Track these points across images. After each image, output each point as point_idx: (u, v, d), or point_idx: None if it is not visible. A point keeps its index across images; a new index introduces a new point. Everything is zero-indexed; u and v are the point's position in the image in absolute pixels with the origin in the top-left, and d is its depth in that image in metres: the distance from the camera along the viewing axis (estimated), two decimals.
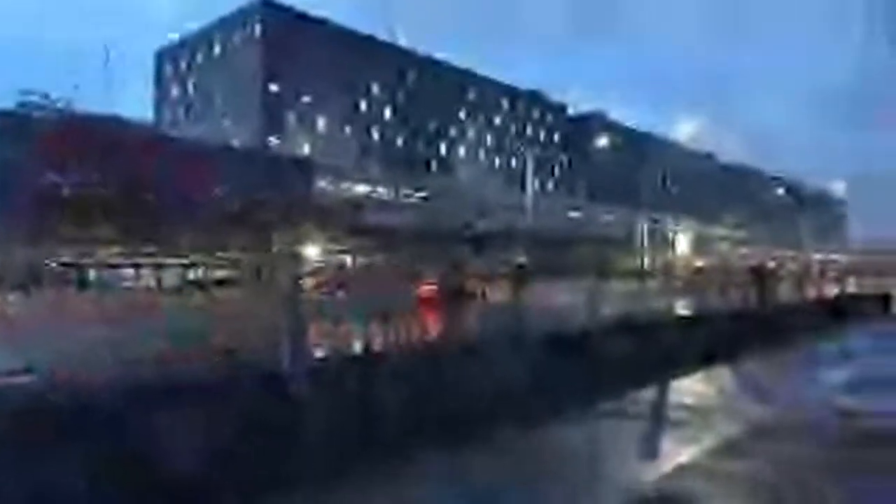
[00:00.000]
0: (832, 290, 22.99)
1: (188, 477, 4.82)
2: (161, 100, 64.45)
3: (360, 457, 5.75)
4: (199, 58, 60.59)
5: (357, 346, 7.51)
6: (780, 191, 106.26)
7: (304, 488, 5.31)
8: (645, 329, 11.34)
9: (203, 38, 59.87)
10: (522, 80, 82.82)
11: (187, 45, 61.72)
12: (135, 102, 75.99)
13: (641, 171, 76.63)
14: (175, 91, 63.40)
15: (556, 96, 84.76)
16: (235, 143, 47.69)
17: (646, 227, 60.05)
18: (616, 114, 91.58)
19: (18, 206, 23.97)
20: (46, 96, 29.78)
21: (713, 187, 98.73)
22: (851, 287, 25.10)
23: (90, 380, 5.23)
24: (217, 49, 58.60)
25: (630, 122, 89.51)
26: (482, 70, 74.08)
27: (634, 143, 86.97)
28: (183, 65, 62.63)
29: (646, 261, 50.23)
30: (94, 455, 4.73)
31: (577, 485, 5.64)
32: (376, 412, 6.58)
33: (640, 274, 32.39)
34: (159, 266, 26.89)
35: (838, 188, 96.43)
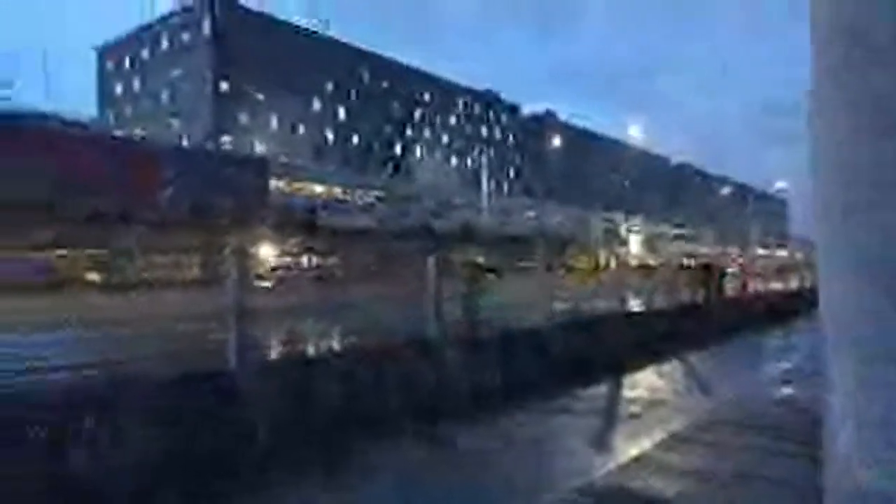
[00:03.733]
0: (775, 286, 23.82)
1: None
2: (104, 98, 62.42)
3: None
4: (145, 54, 58.89)
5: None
6: (727, 190, 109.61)
7: None
8: (595, 325, 11.53)
9: (149, 34, 58.24)
10: (467, 76, 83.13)
11: (131, 42, 59.93)
12: (77, 101, 73.17)
13: (594, 170, 78.04)
14: (119, 89, 61.46)
15: (509, 96, 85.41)
16: (185, 142, 46.54)
17: (599, 225, 61.18)
18: (567, 113, 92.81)
19: None
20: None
21: (664, 187, 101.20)
22: (793, 283, 26.06)
23: None
24: (164, 45, 57.06)
25: (582, 123, 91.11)
26: (431, 67, 74.22)
27: (587, 142, 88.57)
28: (127, 62, 60.73)
29: (599, 258, 51.14)
30: None
31: (531, 477, 5.65)
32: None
33: (593, 271, 32.95)
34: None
35: (781, 187, 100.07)
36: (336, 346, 7.67)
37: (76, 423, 4.87)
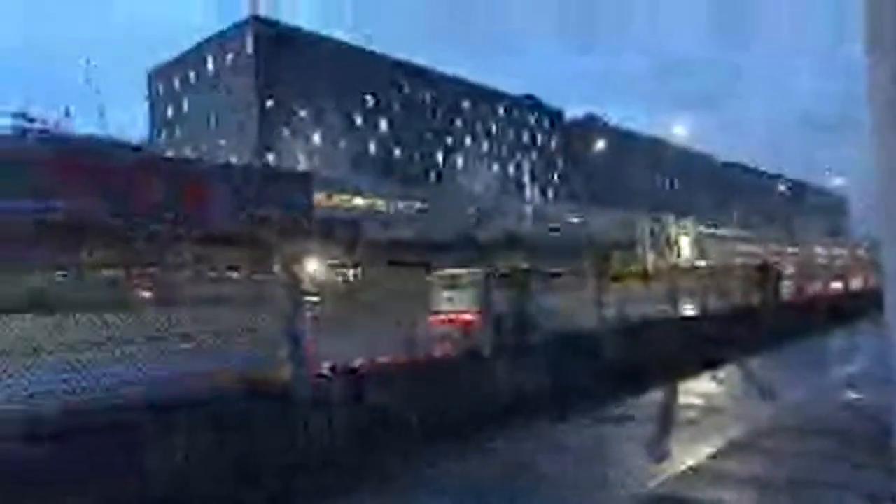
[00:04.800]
0: (836, 287, 22.93)
1: None
2: (156, 120, 64.83)
3: None
4: (192, 76, 60.95)
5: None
6: (782, 188, 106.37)
7: None
8: (647, 330, 11.31)
9: (196, 56, 60.27)
10: (516, 86, 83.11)
11: (180, 64, 62.11)
12: (129, 124, 76.14)
13: (640, 172, 76.74)
14: (170, 111, 63.72)
15: (552, 101, 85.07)
16: (233, 160, 47.85)
17: (646, 228, 60.08)
18: (613, 116, 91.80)
19: (12, 233, 23.98)
20: (44, 121, 29.98)
21: (714, 187, 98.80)
22: (856, 283, 25.03)
23: None
24: (210, 67, 58.97)
25: (627, 125, 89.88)
26: (476, 78, 74.50)
27: (632, 145, 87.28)
28: (176, 83, 62.97)
29: (648, 263, 50.21)
30: None
31: (584, 486, 5.58)
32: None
33: (642, 276, 32.34)
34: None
35: (840, 185, 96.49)
36: (385, 357, 7.74)
37: (150, 431, 5.06)
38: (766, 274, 17.93)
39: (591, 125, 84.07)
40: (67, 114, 34.57)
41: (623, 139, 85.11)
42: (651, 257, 54.85)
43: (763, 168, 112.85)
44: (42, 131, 29.58)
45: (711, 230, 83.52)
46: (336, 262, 33.81)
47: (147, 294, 26.38)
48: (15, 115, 29.96)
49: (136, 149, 35.50)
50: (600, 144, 68.47)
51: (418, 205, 50.91)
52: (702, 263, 48.59)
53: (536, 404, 7.95)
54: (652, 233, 62.42)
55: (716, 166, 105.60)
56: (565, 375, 8.88)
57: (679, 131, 64.34)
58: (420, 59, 68.85)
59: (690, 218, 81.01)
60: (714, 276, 16.88)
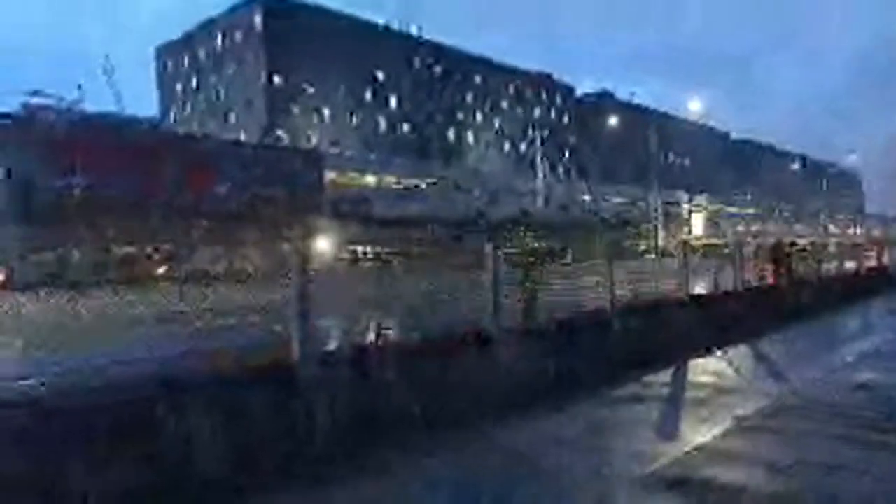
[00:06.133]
0: (851, 265, 22.68)
1: None
2: (165, 96, 64.71)
3: None
4: (202, 53, 60.66)
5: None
6: (795, 165, 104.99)
7: None
8: (658, 309, 11.22)
9: (204, 32, 59.90)
10: (529, 62, 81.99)
11: (188, 41, 61.77)
12: (136, 99, 75.97)
13: (652, 149, 75.72)
14: (179, 87, 63.56)
15: (565, 78, 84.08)
16: (243, 136, 47.76)
17: (659, 206, 59.57)
18: (624, 93, 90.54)
19: (35, 209, 24.23)
20: (61, 98, 30.08)
21: (727, 164, 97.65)
22: (871, 261, 24.77)
23: None
24: (219, 43, 58.62)
25: (639, 101, 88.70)
26: (490, 54, 73.64)
27: (645, 121, 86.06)
28: (185, 60, 62.71)
29: (660, 240, 49.89)
30: None
31: (593, 466, 5.57)
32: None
33: (655, 253, 32.18)
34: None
35: (854, 162, 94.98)
36: (392, 337, 7.71)
37: (156, 412, 5.06)
38: (779, 252, 17.72)
39: (603, 101, 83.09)
40: (80, 87, 34.56)
41: (636, 115, 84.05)
42: (663, 235, 54.47)
43: (785, 146, 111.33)
44: (65, 109, 29.69)
45: (725, 207, 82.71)
46: (347, 238, 34.00)
47: (161, 270, 26.65)
48: (32, 94, 30.12)
49: (154, 127, 35.56)
50: (612, 120, 67.67)
51: (428, 181, 50.72)
52: (715, 241, 48.24)
53: (541, 387, 7.93)
54: (664, 210, 61.91)
55: (730, 143, 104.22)
56: (573, 357, 8.84)
57: (694, 107, 63.37)
58: (440, 37, 68.02)
59: (704, 195, 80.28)
60: (727, 254, 16.70)
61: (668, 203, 67.84)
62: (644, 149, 79.33)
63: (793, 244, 20.95)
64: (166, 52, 64.73)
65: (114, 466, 4.72)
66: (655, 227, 55.47)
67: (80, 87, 36.15)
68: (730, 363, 10.10)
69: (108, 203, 26.11)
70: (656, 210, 58.51)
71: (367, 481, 5.34)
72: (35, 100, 30.28)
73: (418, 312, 8.33)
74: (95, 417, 4.78)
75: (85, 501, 4.46)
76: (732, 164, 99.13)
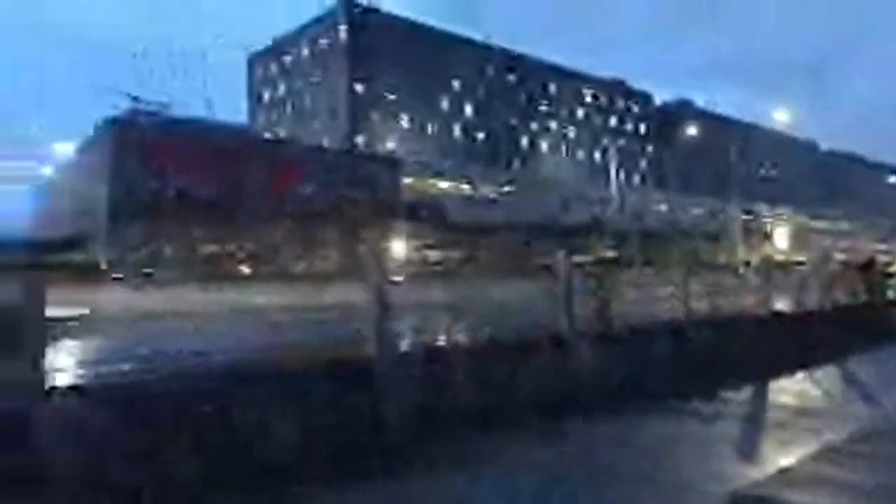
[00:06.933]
0: None
1: None
2: (254, 103, 67.55)
3: None
4: (288, 61, 63.01)
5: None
6: (893, 179, 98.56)
7: None
8: (737, 324, 10.88)
9: (291, 41, 62.24)
10: (607, 69, 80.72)
11: (277, 50, 64.31)
12: (227, 105, 79.64)
13: (733, 159, 72.88)
14: (267, 94, 66.23)
15: (642, 85, 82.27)
16: (326, 142, 49.28)
17: (739, 218, 57.28)
18: (705, 101, 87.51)
19: (133, 209, 25.87)
20: (166, 105, 32.01)
21: (814, 176, 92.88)
22: None
23: None
24: (305, 51, 60.74)
25: (720, 110, 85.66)
26: (567, 61, 72.99)
27: (726, 130, 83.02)
28: (273, 68, 65.30)
29: (740, 254, 47.93)
30: None
31: (665, 483, 5.48)
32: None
33: (734, 268, 31.00)
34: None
35: None
36: (466, 339, 7.84)
37: (234, 405, 5.35)
38: (870, 271, 16.77)
39: (682, 110, 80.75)
40: (209, 103, 36.34)
41: (717, 124, 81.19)
42: (743, 249, 52.31)
43: (875, 156, 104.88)
44: (159, 113, 31.52)
45: (812, 222, 78.60)
46: (422, 242, 34.48)
47: (246, 269, 27.87)
48: (133, 99, 32.13)
49: (244, 132, 37.28)
50: (692, 130, 65.62)
51: (503, 189, 50.71)
52: (800, 257, 45.96)
53: (614, 395, 7.85)
54: (745, 223, 59.47)
55: (818, 154, 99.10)
56: (646, 367, 8.71)
57: (780, 117, 60.55)
58: (510, 43, 68.09)
59: (788, 208, 76.60)
60: (813, 271, 15.95)
61: (749, 214, 65.11)
62: (724, 159, 76.45)
63: (889, 263, 19.77)
64: (256, 61, 67.68)
65: (208, 448, 5.04)
66: (735, 240, 53.34)
67: (208, 102, 38.09)
68: (816, 384, 9.67)
69: (198, 203, 27.57)
70: (737, 222, 56.30)
71: (438, 475, 5.47)
72: (132, 105, 32.31)
73: (489, 316, 8.44)
74: (189, 403, 5.13)
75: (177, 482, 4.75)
76: (820, 176, 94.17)
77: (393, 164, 41.37)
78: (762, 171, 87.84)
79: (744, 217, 59.94)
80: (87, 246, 25.28)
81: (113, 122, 29.43)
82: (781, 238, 72.83)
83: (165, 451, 4.82)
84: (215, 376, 5.46)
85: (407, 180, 41.72)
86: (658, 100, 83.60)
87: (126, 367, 5.65)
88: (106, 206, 26.74)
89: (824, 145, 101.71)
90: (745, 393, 8.93)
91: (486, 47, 65.03)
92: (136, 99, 31.97)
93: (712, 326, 10.31)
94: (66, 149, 38.04)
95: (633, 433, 6.81)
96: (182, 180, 27.99)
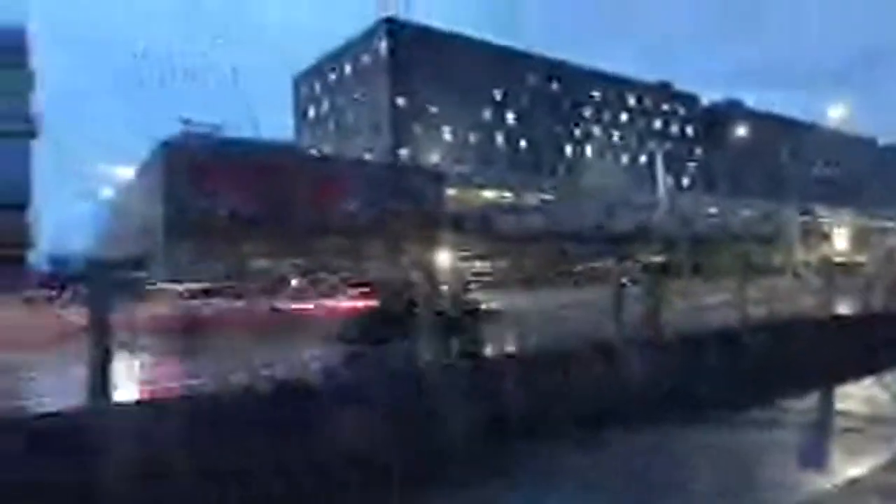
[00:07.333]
0: None
1: None
2: (300, 121, 69.03)
3: None
4: (332, 79, 64.19)
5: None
6: None
7: None
8: (796, 329, 10.49)
9: (335, 59, 63.41)
10: (651, 75, 79.25)
11: (320, 68, 65.64)
12: (273, 124, 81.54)
13: (787, 160, 70.62)
14: (312, 112, 67.58)
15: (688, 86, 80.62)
16: (368, 156, 49.98)
17: (795, 220, 55.42)
18: (753, 101, 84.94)
19: (185, 227, 26.74)
20: (218, 127, 33.16)
21: (875, 173, 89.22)
22: None
23: None
24: (348, 69, 61.77)
25: (770, 108, 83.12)
26: (610, 68, 72.15)
27: (777, 130, 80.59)
28: (318, 87, 66.63)
29: (797, 257, 46.31)
30: None
31: (728, 493, 5.32)
32: None
33: (790, 272, 29.97)
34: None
35: None
36: (515, 348, 7.81)
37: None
38: None
39: (731, 110, 78.80)
40: (255, 122, 37.65)
41: (768, 124, 78.89)
42: (801, 250, 50.53)
43: None
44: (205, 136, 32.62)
45: (872, 221, 75.43)
46: (467, 253, 34.51)
47: (294, 283, 28.45)
48: (185, 122, 33.36)
49: (290, 149, 38.21)
50: (741, 131, 63.91)
51: (547, 196, 50.38)
52: (861, 258, 44.13)
53: (671, 403, 7.65)
54: (801, 225, 57.52)
55: (876, 150, 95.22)
56: (702, 374, 8.47)
57: (834, 114, 58.35)
58: (551, 51, 67.86)
59: (847, 209, 73.75)
60: (876, 272, 15.29)
61: (806, 215, 62.93)
62: (776, 160, 74.15)
63: None
64: (301, 80, 69.31)
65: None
66: (791, 242, 51.60)
67: (255, 121, 39.46)
68: (884, 389, 9.24)
69: (247, 221, 28.30)
70: (793, 224, 54.50)
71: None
72: (185, 128, 33.51)
73: (539, 325, 8.39)
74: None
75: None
76: (882, 173, 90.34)
77: (436, 175, 41.67)
78: (818, 171, 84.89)
79: (800, 219, 58.01)
80: (148, 265, 26.25)
81: (164, 146, 30.56)
82: (841, 238, 70.10)
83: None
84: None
85: (450, 191, 41.92)
86: (705, 101, 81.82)
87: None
88: (164, 224, 27.75)
89: (883, 140, 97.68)
90: (807, 400, 8.60)
91: (527, 56, 64.92)
92: (187, 122, 33.12)
93: (769, 331, 9.96)
94: (125, 172, 39.78)
95: (689, 446, 6.63)
96: (231, 200, 28.89)
